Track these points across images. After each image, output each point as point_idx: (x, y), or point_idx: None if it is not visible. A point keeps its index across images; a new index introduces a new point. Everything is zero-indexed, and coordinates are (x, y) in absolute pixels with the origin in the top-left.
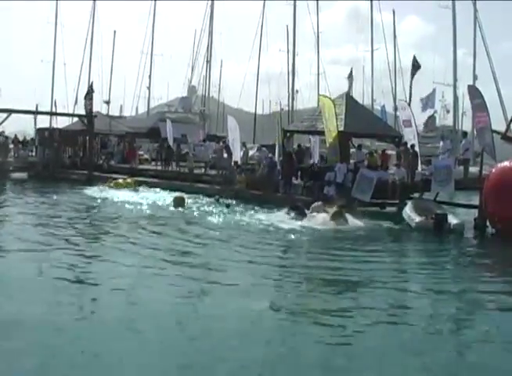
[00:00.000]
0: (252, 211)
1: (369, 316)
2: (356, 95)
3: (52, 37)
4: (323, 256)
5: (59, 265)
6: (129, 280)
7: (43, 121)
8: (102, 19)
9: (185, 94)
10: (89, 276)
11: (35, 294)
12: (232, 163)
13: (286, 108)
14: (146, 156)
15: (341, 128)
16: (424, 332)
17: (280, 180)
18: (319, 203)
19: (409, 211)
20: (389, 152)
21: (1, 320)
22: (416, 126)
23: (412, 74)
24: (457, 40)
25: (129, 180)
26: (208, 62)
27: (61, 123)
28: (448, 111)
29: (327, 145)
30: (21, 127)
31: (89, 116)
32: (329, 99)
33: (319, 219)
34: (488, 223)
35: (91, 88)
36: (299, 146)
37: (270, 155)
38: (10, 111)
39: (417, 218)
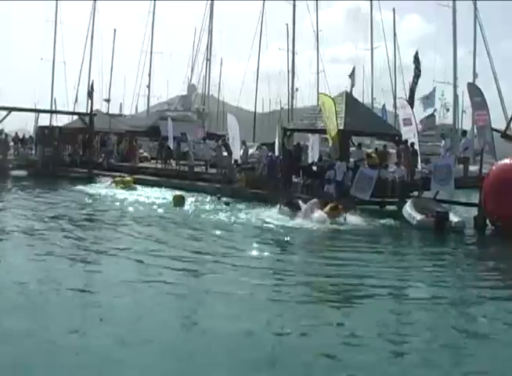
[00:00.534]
0: (251, 209)
1: (368, 320)
2: (356, 93)
3: (51, 35)
4: (323, 256)
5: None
6: (128, 275)
7: (43, 120)
8: (102, 18)
9: (184, 92)
10: (90, 277)
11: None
12: (232, 161)
13: (286, 107)
14: (145, 154)
15: (341, 127)
16: (423, 341)
17: (280, 178)
18: (315, 200)
19: (409, 210)
20: (389, 150)
21: None
22: (416, 125)
23: (415, 82)
24: (457, 38)
25: (129, 178)
26: (208, 60)
27: (61, 121)
28: (447, 110)
29: (330, 143)
30: (21, 125)
31: (90, 114)
32: (330, 97)
33: (315, 216)
34: (487, 221)
35: (92, 88)
36: (298, 144)
37: (270, 154)
38: (11, 109)
39: (418, 217)
